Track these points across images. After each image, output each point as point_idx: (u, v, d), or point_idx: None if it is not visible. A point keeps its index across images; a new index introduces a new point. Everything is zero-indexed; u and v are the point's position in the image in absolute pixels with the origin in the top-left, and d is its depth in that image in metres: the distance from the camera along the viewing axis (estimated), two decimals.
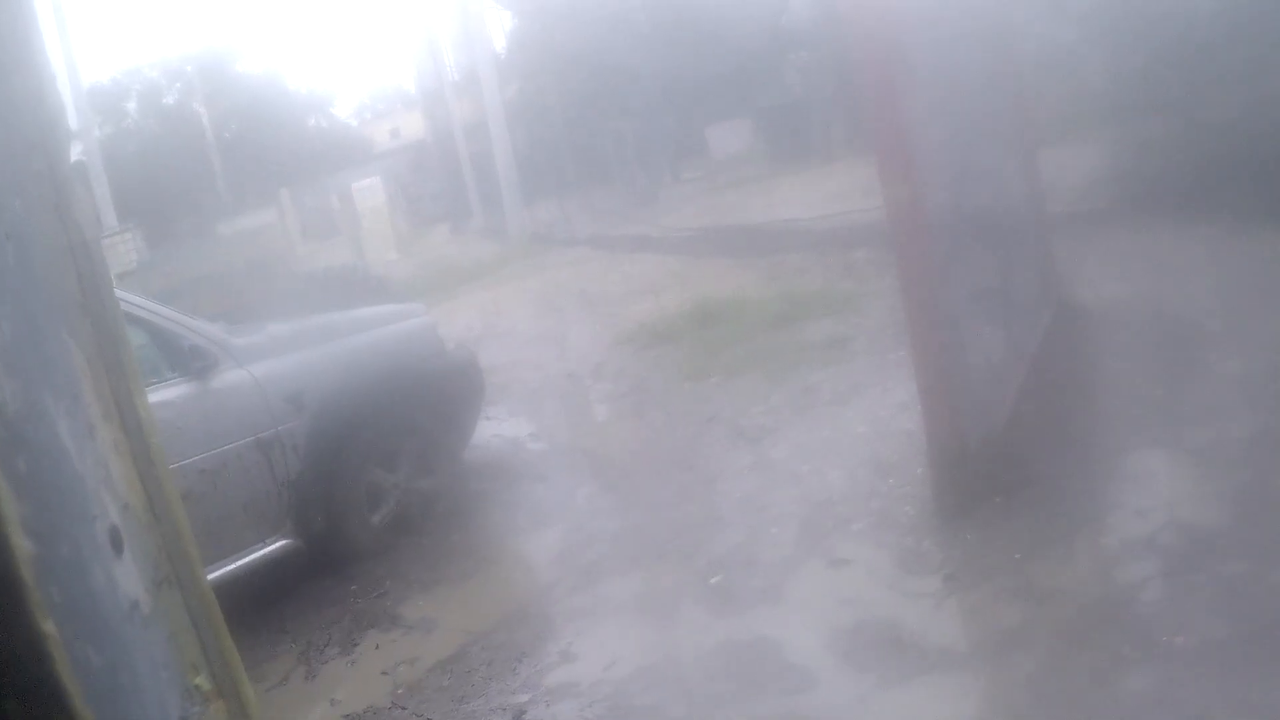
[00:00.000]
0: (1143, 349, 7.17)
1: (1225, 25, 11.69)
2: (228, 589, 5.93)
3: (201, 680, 1.35)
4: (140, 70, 50.52)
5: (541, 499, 7.87)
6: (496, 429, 9.88)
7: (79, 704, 1.01)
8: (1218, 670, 3.99)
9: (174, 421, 6.24)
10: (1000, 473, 5.74)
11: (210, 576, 1.80)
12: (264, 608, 6.82)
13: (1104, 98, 14.14)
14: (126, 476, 1.33)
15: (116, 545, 1.23)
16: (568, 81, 33.78)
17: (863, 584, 5.38)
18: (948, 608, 4.96)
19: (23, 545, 1.00)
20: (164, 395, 6.34)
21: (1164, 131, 12.12)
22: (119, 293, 2.45)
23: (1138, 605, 4.57)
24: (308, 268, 25.21)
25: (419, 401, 7.79)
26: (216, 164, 45.01)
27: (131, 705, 1.16)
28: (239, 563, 6.54)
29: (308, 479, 6.97)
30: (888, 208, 5.62)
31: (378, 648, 6.20)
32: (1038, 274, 8.19)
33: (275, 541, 6.81)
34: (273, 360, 7.07)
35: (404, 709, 5.42)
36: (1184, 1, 12.61)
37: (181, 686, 1.29)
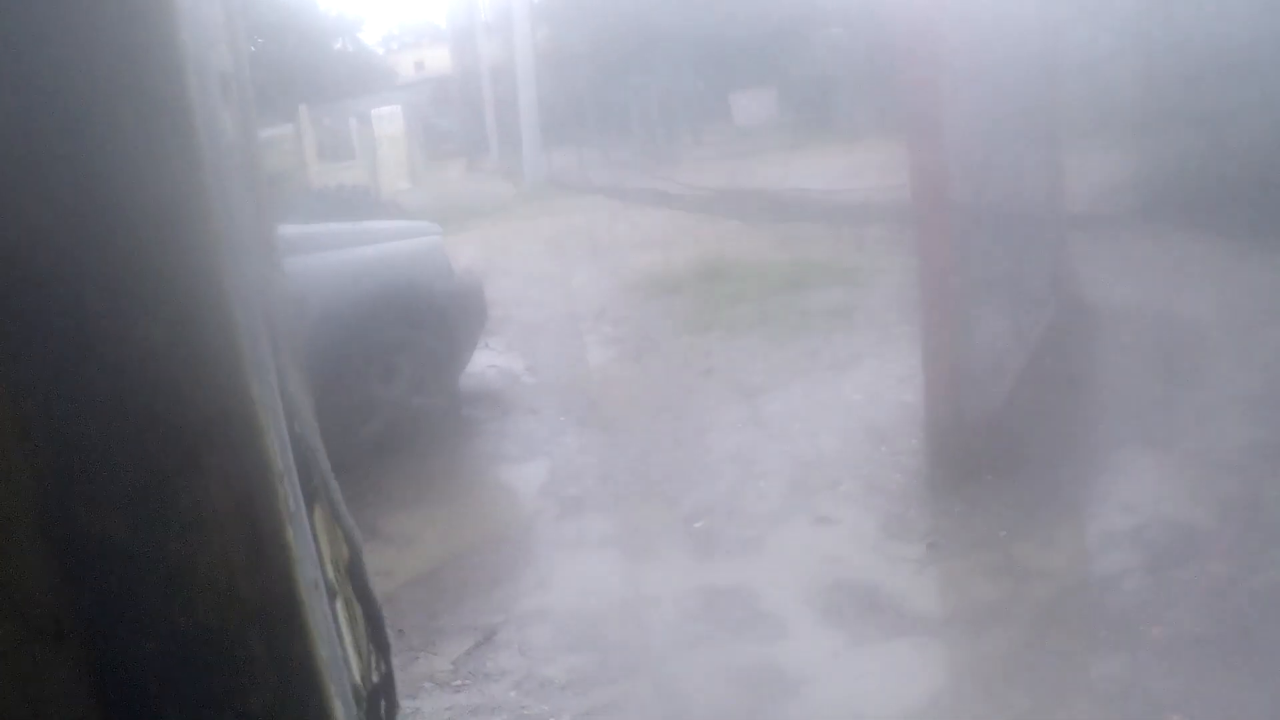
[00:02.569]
0: (1145, 350, 7.17)
1: (1265, 44, 11.63)
2: None
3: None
4: None
5: (531, 431, 7.86)
6: (494, 360, 9.86)
7: None
8: (1190, 664, 4.01)
9: None
10: (994, 452, 5.75)
11: None
12: None
13: (1137, 106, 14.08)
14: None
15: None
16: (599, 32, 33.62)
17: (845, 544, 5.39)
18: (928, 575, 4.98)
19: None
20: None
21: (1193, 143, 12.07)
22: None
23: (1117, 594, 4.59)
24: (320, 184, 25.13)
25: (421, 319, 7.75)
26: None
27: None
28: None
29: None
30: (913, 185, 5.65)
31: None
32: (1049, 269, 8.20)
33: None
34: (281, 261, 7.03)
35: None
36: (1224, 19, 12.55)
37: None
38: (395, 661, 4.07)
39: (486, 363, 9.67)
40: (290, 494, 0.95)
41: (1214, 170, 10.73)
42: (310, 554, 1.02)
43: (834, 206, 15.21)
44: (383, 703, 1.13)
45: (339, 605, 1.15)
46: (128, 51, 0.87)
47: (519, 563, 5.77)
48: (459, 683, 4.74)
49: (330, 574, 1.13)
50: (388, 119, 34.15)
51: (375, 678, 1.15)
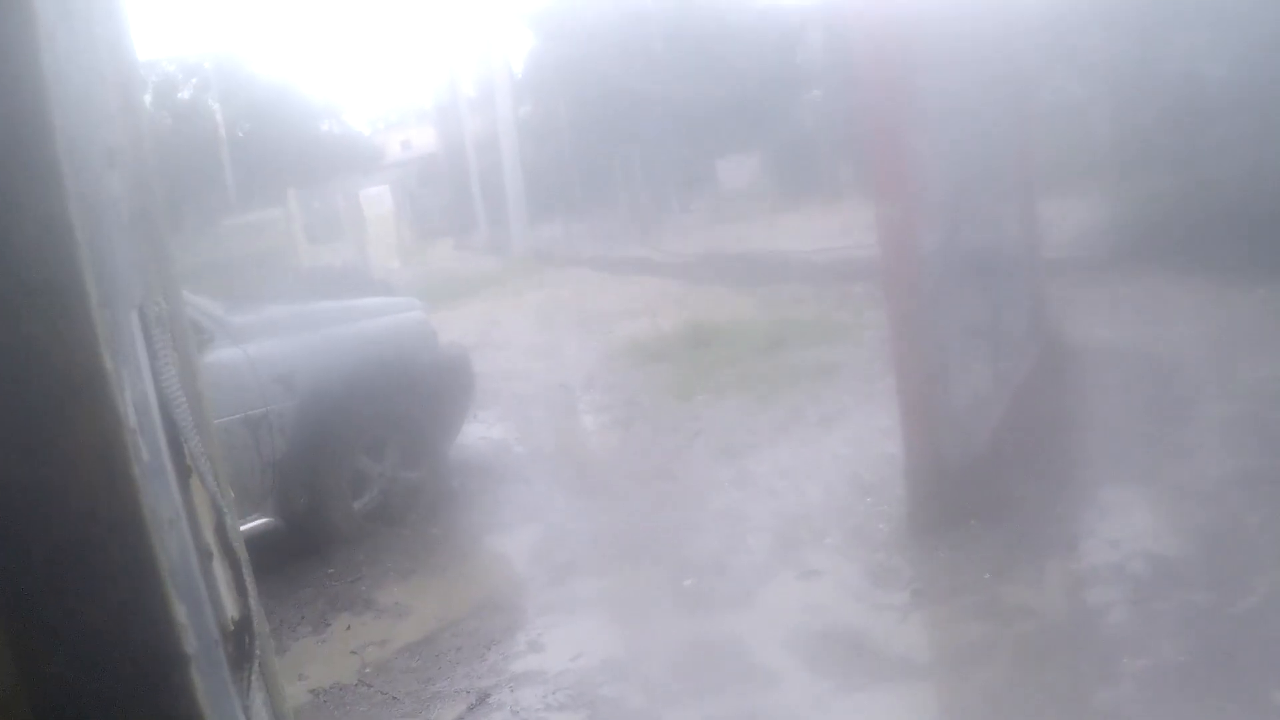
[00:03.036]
0: (1126, 389, 7.27)
1: (1234, 87, 11.81)
2: None
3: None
4: (158, 63, 50.54)
5: (522, 499, 7.92)
6: (484, 431, 9.93)
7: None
8: (1173, 693, 4.06)
9: None
10: (977, 497, 5.81)
11: None
12: None
13: (1110, 151, 14.27)
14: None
15: None
16: (582, 104, 33.90)
17: (832, 594, 5.45)
18: (913, 620, 5.04)
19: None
20: None
21: (1167, 187, 12.23)
22: None
23: (1101, 628, 4.65)
24: (309, 265, 25.30)
25: (408, 393, 7.83)
26: (227, 161, 45.04)
27: None
28: None
29: (293, 460, 7.02)
30: (880, 240, 5.75)
31: (349, 629, 6.24)
32: (1028, 314, 8.29)
33: (256, 519, 6.85)
34: (267, 341, 7.13)
35: (370, 687, 5.46)
36: (1194, 63, 12.74)
37: None
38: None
39: (477, 434, 9.74)
40: (143, 446, 1.14)
41: (1188, 211, 10.88)
42: (167, 496, 1.22)
43: (818, 266, 15.35)
44: (245, 636, 1.31)
45: (214, 562, 1.32)
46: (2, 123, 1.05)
47: (511, 627, 5.81)
48: None
49: (208, 537, 1.30)
50: (376, 199, 34.45)
51: (238, 615, 1.33)
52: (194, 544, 1.31)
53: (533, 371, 12.59)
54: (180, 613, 1.15)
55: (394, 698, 5.28)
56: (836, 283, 13.62)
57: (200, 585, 1.30)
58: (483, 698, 5.09)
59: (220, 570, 1.39)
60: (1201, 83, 12.19)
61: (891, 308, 5.82)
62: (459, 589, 6.56)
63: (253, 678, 1.39)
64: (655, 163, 31.44)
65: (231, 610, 1.39)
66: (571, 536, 6.98)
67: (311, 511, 7.16)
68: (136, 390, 1.18)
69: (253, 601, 1.43)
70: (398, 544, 7.31)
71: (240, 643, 1.38)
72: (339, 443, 7.30)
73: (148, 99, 49.23)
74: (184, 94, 50.50)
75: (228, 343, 6.87)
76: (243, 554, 1.45)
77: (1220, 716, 3.90)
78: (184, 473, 1.31)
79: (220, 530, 1.41)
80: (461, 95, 38.66)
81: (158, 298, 1.36)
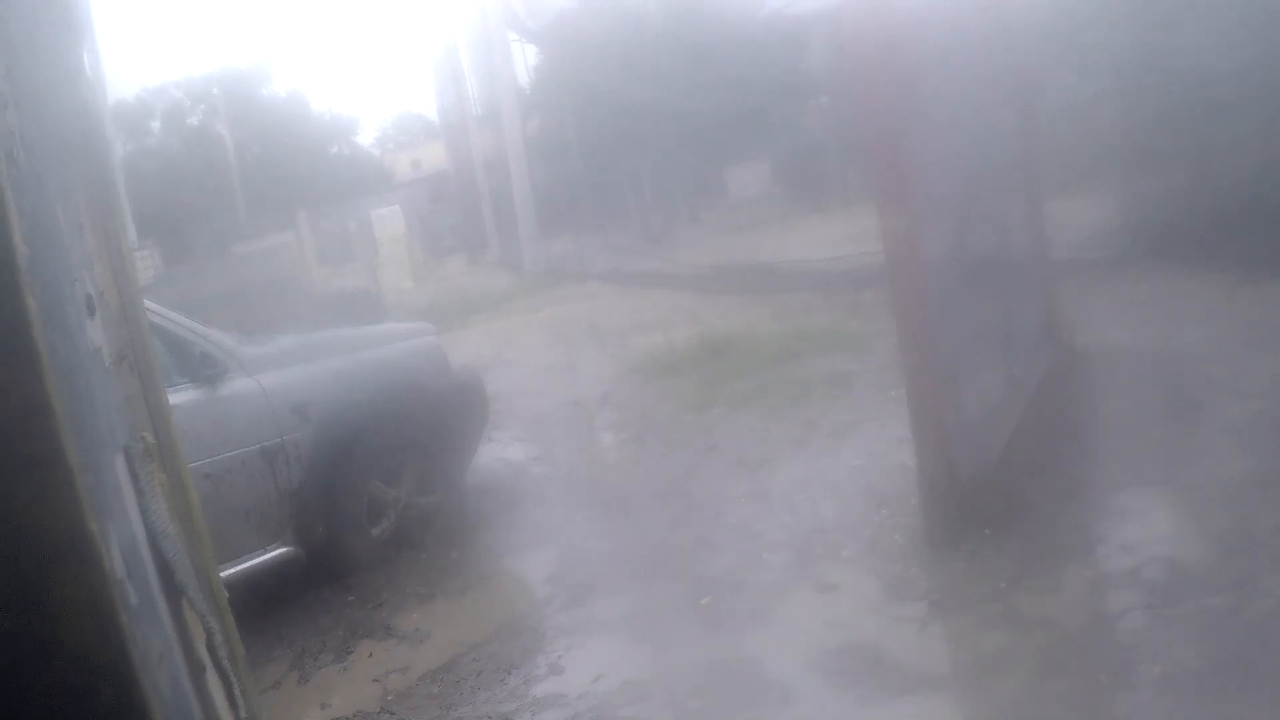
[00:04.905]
0: (1140, 392, 7.27)
1: (1243, 83, 11.79)
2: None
3: None
4: (166, 89, 50.79)
5: (539, 520, 7.95)
6: (500, 452, 9.97)
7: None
8: (1193, 699, 4.06)
9: (180, 426, 6.31)
10: (991, 505, 5.82)
11: None
12: (261, 614, 6.88)
13: (1119, 150, 14.24)
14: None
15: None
16: (589, 118, 33.96)
17: (849, 608, 5.45)
18: (931, 633, 5.04)
19: None
20: (172, 400, 6.42)
21: (1175, 185, 12.21)
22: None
23: (1118, 635, 4.65)
24: (322, 290, 25.37)
25: (423, 419, 7.87)
26: (237, 186, 45.21)
27: None
28: (238, 568, 6.61)
29: (310, 489, 7.06)
30: (886, 248, 5.74)
31: (370, 656, 6.27)
32: (1039, 318, 8.30)
33: (275, 549, 6.89)
34: (281, 371, 7.17)
35: (392, 714, 5.49)
36: (1202, 59, 12.71)
37: None
38: None
39: (494, 455, 9.78)
40: (132, 591, 1.21)
41: (1199, 209, 10.85)
42: (157, 630, 1.28)
43: (829, 274, 15.36)
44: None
45: (206, 677, 1.39)
46: None
47: (531, 650, 5.83)
48: None
49: (201, 655, 1.36)
50: (387, 219, 34.54)
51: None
52: (187, 666, 1.37)
53: (547, 388, 12.63)
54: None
55: None
56: (848, 290, 13.64)
57: (195, 709, 1.36)
58: None
59: (214, 684, 1.45)
60: (1210, 79, 12.17)
61: (900, 316, 5.81)
62: (478, 613, 6.59)
63: None
64: (664, 174, 31.51)
65: None
66: (588, 556, 7.00)
67: (330, 539, 7.19)
68: (123, 537, 1.25)
69: (244, 712, 1.49)
70: (416, 569, 7.34)
71: None
72: (355, 470, 7.33)
73: (155, 126, 49.54)
74: (192, 119, 50.80)
75: (241, 374, 6.91)
76: (237, 665, 1.52)
77: (1238, 717, 3.90)
78: (175, 599, 1.36)
79: (212, 646, 1.47)
80: (469, 112, 38.76)
81: (143, 433, 1.42)
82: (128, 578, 1.20)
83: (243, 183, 45.61)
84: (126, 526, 1.26)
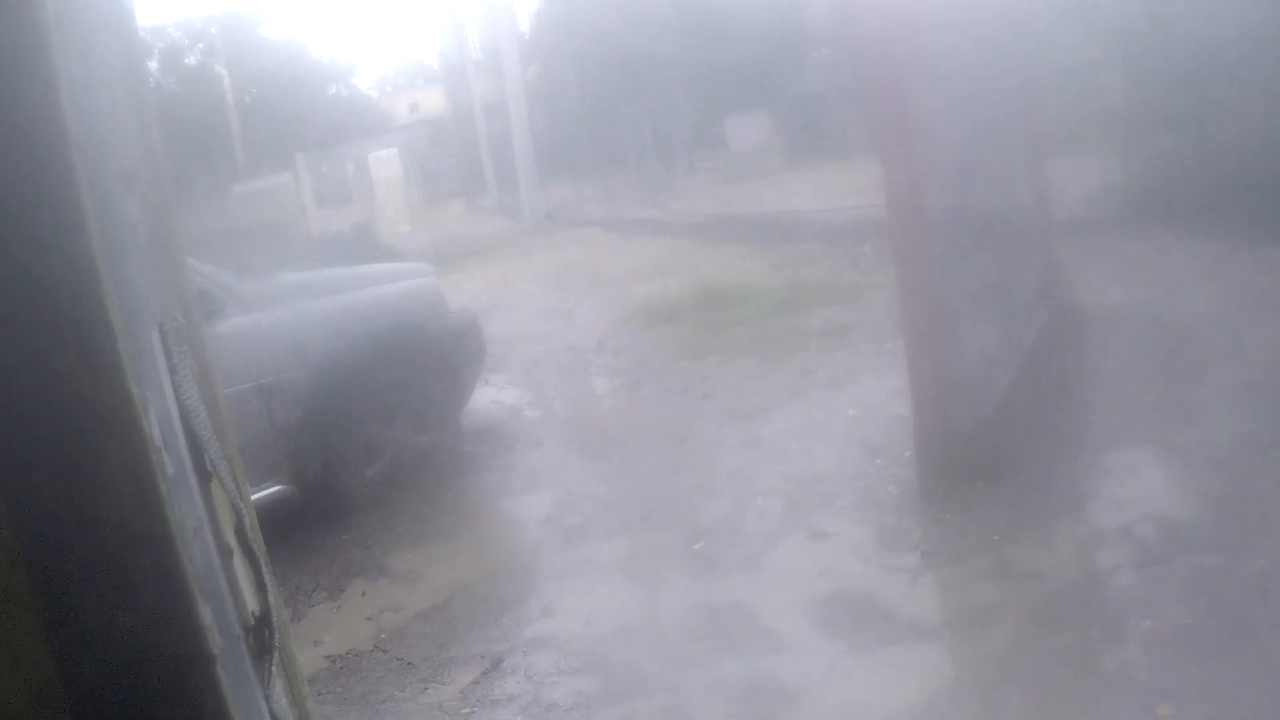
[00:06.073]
0: (1136, 351, 7.26)
1: (1246, 45, 11.74)
2: None
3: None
4: (164, 29, 50.33)
5: (533, 463, 7.96)
6: (495, 396, 9.97)
7: None
8: (1183, 654, 4.09)
9: None
10: (985, 459, 5.83)
11: None
12: None
13: (1120, 110, 14.19)
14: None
15: None
16: (589, 65, 33.78)
17: (841, 557, 5.48)
18: (923, 583, 5.07)
19: None
20: None
21: (1179, 146, 12.18)
22: None
23: (1110, 590, 4.68)
24: (319, 230, 25.31)
25: (419, 359, 7.87)
26: (235, 126, 44.94)
27: None
28: None
29: (305, 427, 7.06)
30: (888, 201, 5.75)
31: (364, 595, 6.29)
32: (1038, 275, 8.27)
33: (270, 487, 6.88)
34: (278, 309, 7.15)
35: (385, 652, 5.51)
36: (1207, 21, 12.66)
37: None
38: (405, 692, 4.19)
39: (489, 398, 9.78)
40: (168, 461, 1.22)
41: (1200, 171, 10.83)
42: (190, 504, 1.30)
43: (828, 226, 15.34)
44: (265, 629, 1.43)
45: (235, 560, 1.40)
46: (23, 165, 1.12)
47: (524, 592, 5.86)
48: (467, 710, 4.83)
49: (229, 538, 1.38)
50: (385, 162, 34.41)
51: (258, 610, 1.41)
52: (216, 546, 1.38)
53: (544, 334, 12.61)
54: (205, 615, 1.22)
55: (409, 663, 5.33)
56: (847, 242, 13.62)
57: (223, 585, 1.38)
58: (496, 663, 5.14)
59: (241, 567, 1.46)
60: (1214, 41, 12.12)
61: (900, 270, 5.82)
62: (472, 554, 6.61)
63: (273, 668, 1.46)
64: (664, 123, 31.38)
65: (252, 605, 1.46)
66: (583, 500, 7.02)
67: (325, 478, 7.20)
68: (160, 408, 1.26)
69: (272, 596, 1.50)
70: (411, 510, 7.35)
71: (261, 636, 1.44)
72: (351, 409, 7.33)
73: (154, 65, 49.21)
74: (190, 60, 50.37)
75: (239, 312, 6.89)
76: (261, 551, 1.53)
77: (1228, 678, 3.92)
78: (205, 479, 1.37)
79: (240, 530, 1.48)
80: (469, 57, 38.52)
81: (176, 313, 1.43)
82: (164, 448, 1.22)
83: (241, 123, 45.36)
84: (161, 400, 1.28)
